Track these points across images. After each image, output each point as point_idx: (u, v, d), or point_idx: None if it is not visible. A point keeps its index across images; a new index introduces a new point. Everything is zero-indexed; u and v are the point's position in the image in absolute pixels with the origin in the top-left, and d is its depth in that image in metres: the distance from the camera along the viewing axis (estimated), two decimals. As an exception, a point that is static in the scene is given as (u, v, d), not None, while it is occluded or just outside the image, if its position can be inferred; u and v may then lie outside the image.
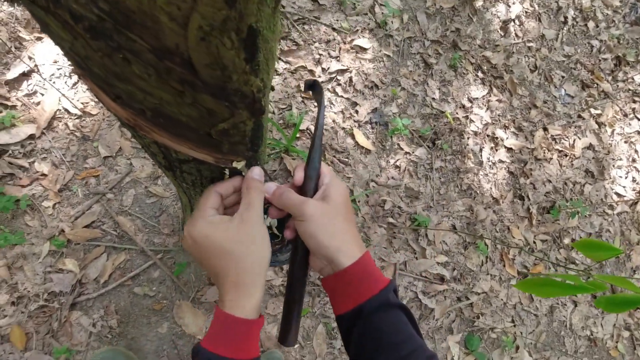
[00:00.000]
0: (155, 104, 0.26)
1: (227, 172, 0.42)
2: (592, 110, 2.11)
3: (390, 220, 1.62)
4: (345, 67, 1.72)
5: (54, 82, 1.42)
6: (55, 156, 1.37)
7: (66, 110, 1.41)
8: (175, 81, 0.23)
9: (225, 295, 0.42)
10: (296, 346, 1.41)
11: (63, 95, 1.42)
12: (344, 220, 0.46)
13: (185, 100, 0.25)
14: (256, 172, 0.45)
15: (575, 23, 2.22)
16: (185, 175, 0.46)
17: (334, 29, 1.74)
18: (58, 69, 1.43)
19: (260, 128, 0.39)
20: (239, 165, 0.41)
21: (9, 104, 1.37)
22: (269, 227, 0.69)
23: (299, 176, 0.49)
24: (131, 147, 1.42)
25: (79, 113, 1.42)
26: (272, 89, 0.39)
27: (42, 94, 1.41)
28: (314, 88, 0.51)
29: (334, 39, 1.73)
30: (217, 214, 0.44)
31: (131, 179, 1.40)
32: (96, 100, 1.45)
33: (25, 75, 1.41)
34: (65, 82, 1.43)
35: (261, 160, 0.58)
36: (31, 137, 1.36)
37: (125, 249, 1.33)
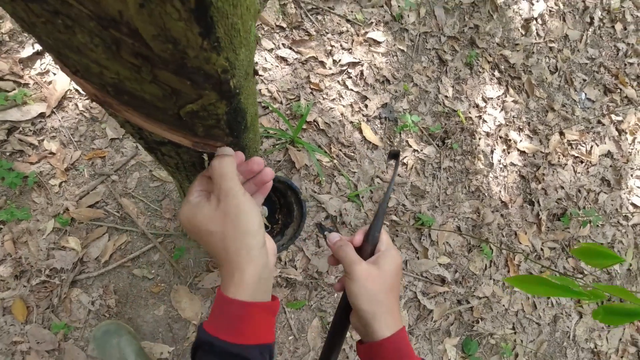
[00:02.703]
0: (114, 79, 0.24)
1: (205, 157, 0.41)
2: (613, 117, 2.02)
3: (394, 217, 1.59)
4: (357, 60, 1.69)
5: (66, 62, 1.44)
6: (64, 135, 1.39)
7: (76, 90, 1.43)
8: (128, 54, 0.22)
9: (221, 274, 0.42)
10: (290, 337, 1.41)
11: (74, 75, 1.43)
12: (388, 290, 0.49)
13: (144, 77, 0.24)
14: (223, 151, 0.42)
15: (602, 24, 2.12)
16: (167, 159, 0.46)
17: (347, 20, 1.71)
18: (70, 49, 1.45)
19: (238, 113, 0.37)
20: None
21: (22, 82, 1.39)
22: (260, 217, 0.69)
23: (358, 239, 0.54)
24: (138, 130, 1.43)
25: (89, 94, 1.44)
26: (256, 73, 0.38)
27: (54, 74, 1.42)
28: (396, 158, 0.56)
29: (347, 31, 1.70)
30: (202, 195, 0.43)
31: (136, 162, 1.41)
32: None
33: (39, 54, 1.43)
34: (77, 63, 1.44)
35: (250, 148, 0.57)
36: (41, 115, 1.38)
37: (126, 230, 1.35)
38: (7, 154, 1.33)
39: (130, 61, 0.22)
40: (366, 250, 0.53)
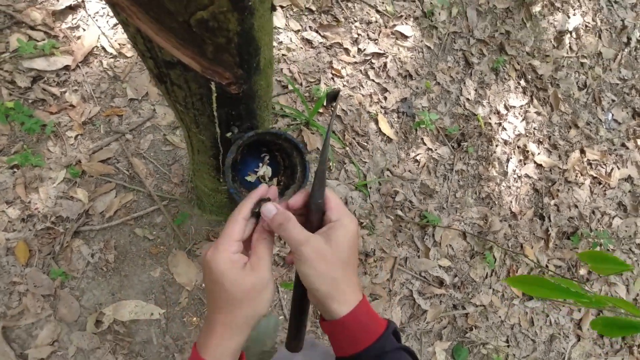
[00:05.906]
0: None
1: (213, 87, 0.41)
2: (639, 142, 1.96)
3: (399, 212, 1.57)
4: (382, 52, 1.68)
5: (96, 20, 1.46)
6: (86, 90, 1.42)
7: (103, 48, 1.45)
8: None
9: (212, 330, 0.43)
10: (281, 317, 1.41)
11: (103, 33, 1.46)
12: (342, 265, 0.45)
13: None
14: (268, 213, 0.45)
15: (638, 46, 2.06)
16: (175, 90, 0.46)
17: (377, 11, 1.69)
18: (103, 8, 1.47)
19: (250, 42, 0.37)
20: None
21: (52, 33, 1.42)
22: (262, 177, 0.68)
23: (295, 202, 0.47)
24: (157, 94, 1.45)
25: (115, 53, 1.46)
26: (274, 8, 0.37)
27: (84, 29, 1.45)
28: (334, 100, 0.48)
29: (376, 21, 1.69)
30: (239, 249, 0.45)
31: (152, 124, 1.43)
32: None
33: (72, 9, 1.46)
34: (107, 22, 1.47)
35: (262, 97, 0.56)
36: (66, 68, 1.41)
37: (133, 190, 1.37)
38: (30, 101, 1.37)
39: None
40: (313, 220, 0.46)
